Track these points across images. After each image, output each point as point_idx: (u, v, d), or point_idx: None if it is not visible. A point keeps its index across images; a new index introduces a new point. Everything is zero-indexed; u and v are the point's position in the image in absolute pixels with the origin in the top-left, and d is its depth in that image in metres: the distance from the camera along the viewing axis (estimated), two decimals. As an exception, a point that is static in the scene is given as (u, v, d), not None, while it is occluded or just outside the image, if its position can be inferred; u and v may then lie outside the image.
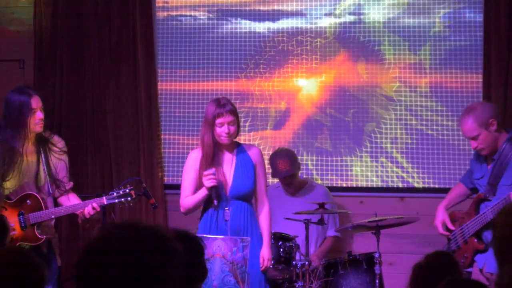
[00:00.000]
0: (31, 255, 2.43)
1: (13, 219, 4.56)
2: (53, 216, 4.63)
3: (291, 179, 5.69)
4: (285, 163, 5.62)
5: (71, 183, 4.82)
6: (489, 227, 4.41)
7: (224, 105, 4.50)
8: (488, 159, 4.57)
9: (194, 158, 4.64)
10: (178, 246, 1.84)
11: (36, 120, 4.62)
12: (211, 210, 4.55)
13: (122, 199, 4.60)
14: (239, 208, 4.53)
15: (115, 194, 4.62)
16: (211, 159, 4.53)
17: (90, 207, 4.56)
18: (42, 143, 4.72)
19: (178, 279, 1.80)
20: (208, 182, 4.44)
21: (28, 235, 4.58)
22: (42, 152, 4.70)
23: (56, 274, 4.73)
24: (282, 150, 5.76)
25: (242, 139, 5.71)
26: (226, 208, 4.50)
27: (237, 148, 4.62)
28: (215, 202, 4.45)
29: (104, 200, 4.60)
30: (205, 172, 4.46)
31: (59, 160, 4.76)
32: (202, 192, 4.53)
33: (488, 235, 4.48)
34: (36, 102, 4.62)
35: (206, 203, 4.60)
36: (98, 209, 4.58)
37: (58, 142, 4.80)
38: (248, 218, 4.55)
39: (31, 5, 6.47)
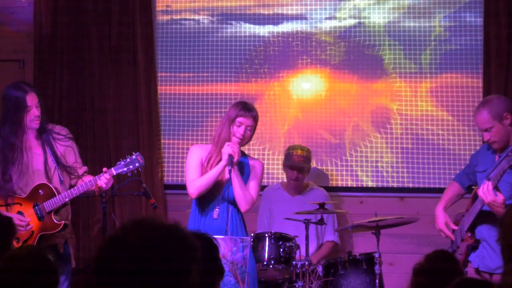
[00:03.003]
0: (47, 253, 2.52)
1: (29, 212, 4.54)
2: (67, 199, 4.55)
3: (300, 173, 5.69)
4: (301, 157, 5.66)
5: (85, 168, 4.78)
6: (483, 221, 4.40)
7: (250, 109, 4.55)
8: (496, 155, 4.52)
9: (198, 148, 4.68)
10: (196, 242, 1.90)
11: (31, 117, 4.57)
12: (200, 210, 4.56)
13: (131, 166, 4.54)
14: (227, 211, 4.52)
15: (122, 163, 4.56)
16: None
17: (103, 179, 4.48)
18: (46, 134, 4.68)
19: (199, 273, 1.87)
20: (228, 149, 4.43)
21: (46, 224, 4.55)
22: (46, 142, 4.66)
23: (70, 275, 4.72)
24: (302, 146, 5.81)
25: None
26: (216, 207, 4.50)
27: (241, 155, 4.60)
28: (229, 167, 4.43)
29: (113, 171, 4.54)
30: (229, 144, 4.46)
31: (65, 147, 4.72)
32: (217, 169, 4.50)
33: (482, 231, 4.43)
34: (31, 99, 4.56)
35: (196, 205, 4.62)
36: (112, 180, 4.54)
37: (61, 130, 4.76)
38: (235, 222, 4.54)
39: (31, 5, 6.47)
